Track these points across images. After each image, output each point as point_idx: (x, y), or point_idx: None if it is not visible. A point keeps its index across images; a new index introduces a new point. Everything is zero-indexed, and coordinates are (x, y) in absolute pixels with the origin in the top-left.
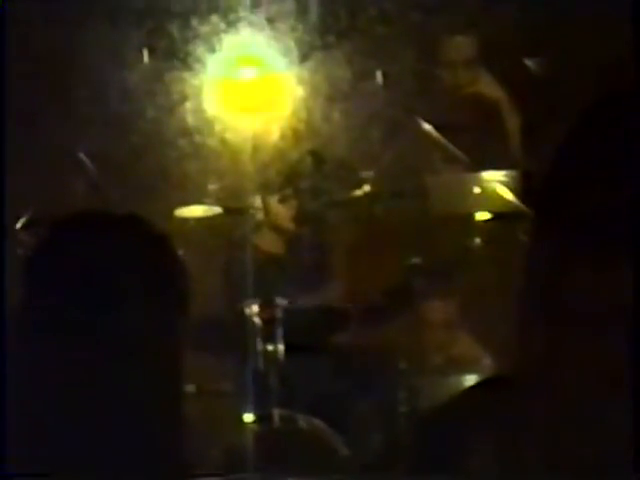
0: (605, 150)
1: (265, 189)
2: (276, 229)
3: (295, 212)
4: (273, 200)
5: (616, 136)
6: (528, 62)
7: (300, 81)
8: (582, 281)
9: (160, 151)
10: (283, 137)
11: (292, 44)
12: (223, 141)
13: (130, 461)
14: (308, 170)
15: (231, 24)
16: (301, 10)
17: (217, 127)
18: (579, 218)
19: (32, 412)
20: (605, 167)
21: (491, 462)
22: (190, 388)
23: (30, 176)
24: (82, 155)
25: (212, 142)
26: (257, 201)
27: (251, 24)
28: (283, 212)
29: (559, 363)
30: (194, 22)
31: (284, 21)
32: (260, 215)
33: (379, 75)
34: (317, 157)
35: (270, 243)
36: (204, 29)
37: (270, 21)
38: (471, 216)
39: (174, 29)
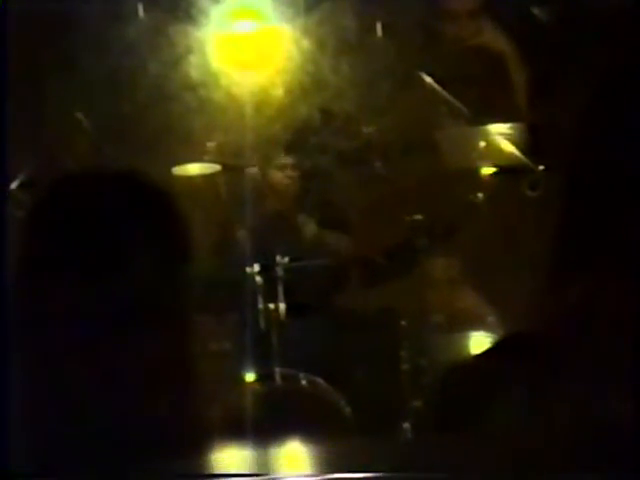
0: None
1: (269, 146)
2: (276, 195)
3: (292, 182)
4: (270, 169)
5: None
6: (535, 11)
7: (306, 33)
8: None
9: (160, 107)
10: (288, 92)
11: None
12: (226, 96)
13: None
14: (315, 127)
15: None
16: None
17: (220, 82)
18: (609, 175)
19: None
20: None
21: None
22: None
23: (28, 135)
24: (79, 114)
25: (215, 97)
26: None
27: None
28: (281, 182)
29: (592, 318)
30: None
31: None
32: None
33: (379, 28)
34: (326, 114)
35: (272, 201)
36: None
37: None
38: (476, 170)
39: None
